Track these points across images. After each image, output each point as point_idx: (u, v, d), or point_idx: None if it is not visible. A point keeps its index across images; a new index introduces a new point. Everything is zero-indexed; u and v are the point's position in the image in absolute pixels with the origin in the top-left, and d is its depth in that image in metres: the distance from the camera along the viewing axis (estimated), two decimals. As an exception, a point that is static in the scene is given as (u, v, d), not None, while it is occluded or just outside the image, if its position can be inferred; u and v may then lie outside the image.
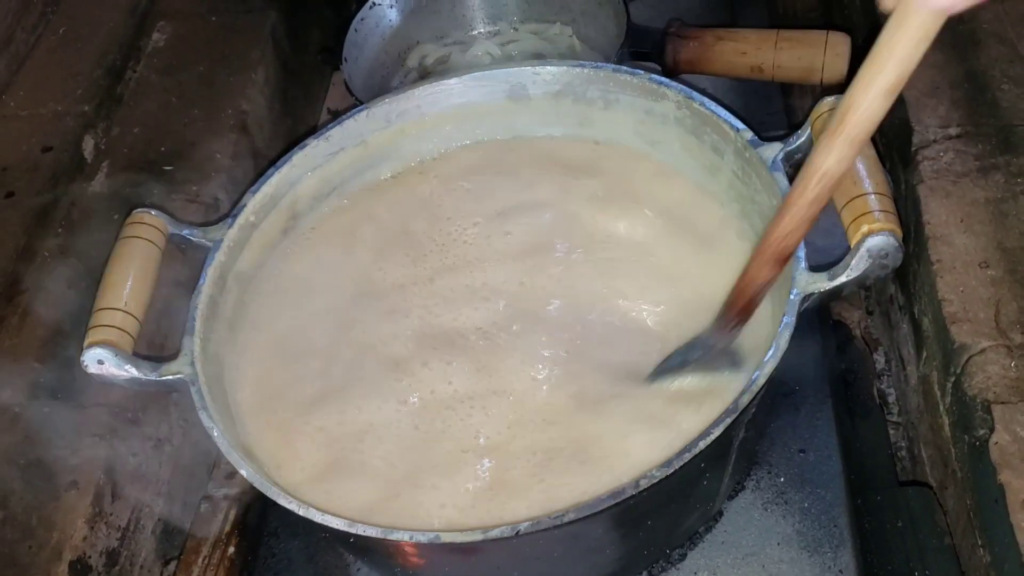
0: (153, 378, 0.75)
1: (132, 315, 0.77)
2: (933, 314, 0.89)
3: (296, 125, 1.30)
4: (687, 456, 0.63)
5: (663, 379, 0.75)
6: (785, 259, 0.64)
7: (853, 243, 0.70)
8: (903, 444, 1.00)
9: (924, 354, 0.94)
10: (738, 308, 0.70)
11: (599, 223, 0.89)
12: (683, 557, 0.80)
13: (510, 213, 0.90)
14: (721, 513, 0.82)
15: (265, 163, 1.06)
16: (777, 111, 1.15)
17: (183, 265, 1.01)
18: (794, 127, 0.81)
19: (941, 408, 0.89)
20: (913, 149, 0.96)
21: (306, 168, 0.91)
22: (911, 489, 0.85)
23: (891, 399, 1.03)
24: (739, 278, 0.69)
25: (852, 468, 0.84)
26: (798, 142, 0.80)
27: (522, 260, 0.87)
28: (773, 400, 0.84)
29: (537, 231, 0.89)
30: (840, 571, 0.77)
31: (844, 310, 1.02)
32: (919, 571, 0.79)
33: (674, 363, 0.75)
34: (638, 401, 0.75)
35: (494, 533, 0.62)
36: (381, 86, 1.17)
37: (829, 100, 0.78)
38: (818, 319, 0.95)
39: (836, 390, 0.89)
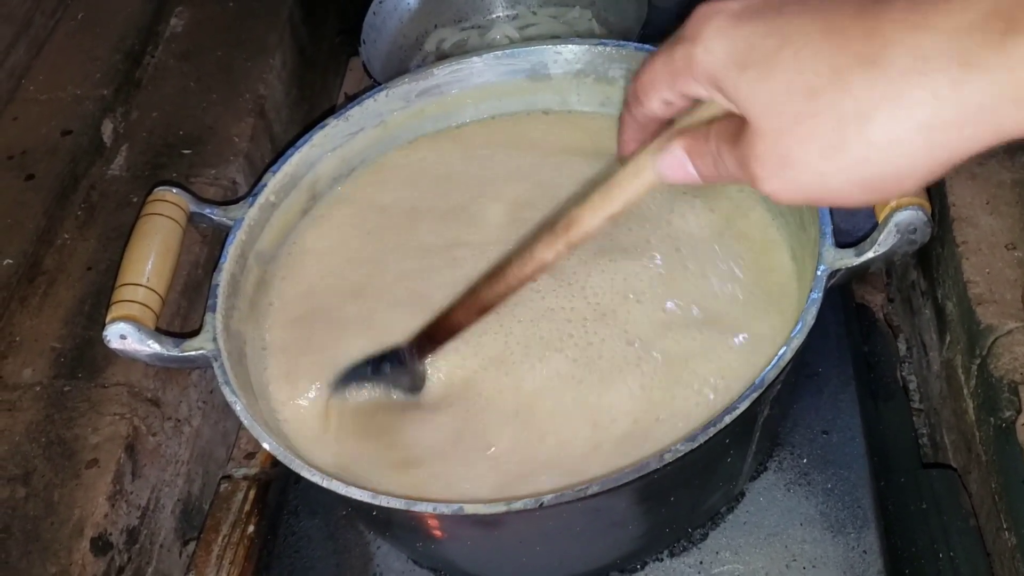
0: (175, 353, 0.75)
1: (154, 291, 0.77)
2: (958, 297, 0.89)
3: (312, 111, 1.31)
4: (712, 430, 0.63)
5: (345, 388, 0.77)
6: (486, 312, 0.70)
7: (881, 218, 0.69)
8: (924, 431, 1.00)
9: (948, 338, 0.93)
10: (434, 340, 0.74)
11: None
12: (704, 537, 0.80)
13: (531, 189, 0.90)
14: (743, 494, 0.81)
15: (282, 147, 1.06)
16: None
17: (202, 247, 1.01)
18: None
19: (965, 392, 0.88)
20: (937, 131, 0.95)
21: (326, 148, 0.91)
22: (935, 471, 0.84)
23: (912, 386, 1.03)
24: (442, 316, 0.74)
25: (875, 450, 0.84)
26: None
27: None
28: (796, 381, 0.83)
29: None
30: (864, 551, 0.77)
31: (867, 293, 1.02)
32: (943, 553, 0.79)
33: (361, 372, 0.77)
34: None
35: (517, 505, 0.62)
36: (399, 69, 1.17)
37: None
38: (841, 301, 0.94)
39: (859, 372, 0.88)
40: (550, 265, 0.63)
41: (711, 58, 0.47)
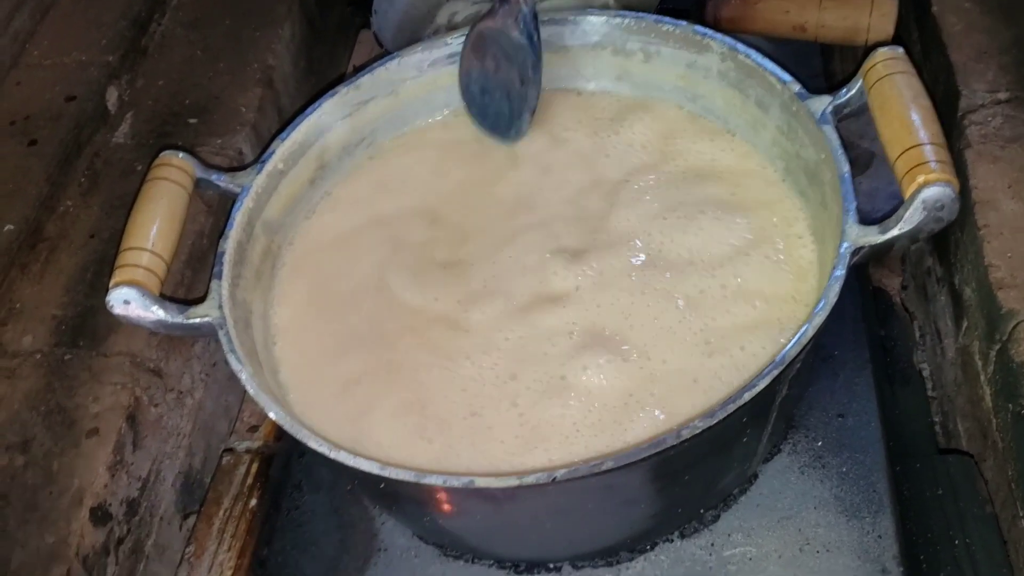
0: (180, 321, 0.73)
1: (159, 256, 0.75)
2: (978, 281, 0.87)
3: (320, 83, 1.28)
4: (731, 407, 0.61)
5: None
6: None
7: (907, 194, 0.67)
8: (937, 419, 0.98)
9: (964, 324, 0.91)
10: None
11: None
12: (716, 518, 0.78)
13: (544, 168, 0.88)
14: (756, 476, 0.80)
15: (287, 122, 1.04)
16: (816, 75, 1.12)
17: (207, 217, 1.00)
18: (843, 81, 0.79)
19: (982, 378, 0.87)
20: (960, 114, 0.93)
21: (336, 116, 0.89)
22: (952, 457, 0.83)
23: (925, 374, 1.01)
24: None
25: (891, 434, 0.82)
26: (848, 95, 0.77)
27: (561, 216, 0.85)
28: (812, 364, 0.82)
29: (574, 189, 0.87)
30: (879, 536, 0.75)
31: (884, 276, 1.00)
32: (959, 539, 0.77)
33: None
34: None
35: (530, 479, 0.61)
36: (411, 41, 1.14)
37: (884, 50, 0.76)
38: (858, 284, 0.92)
39: (875, 356, 0.87)
40: None
41: None
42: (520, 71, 0.85)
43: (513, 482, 0.61)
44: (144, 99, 1.11)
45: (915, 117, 0.71)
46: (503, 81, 0.87)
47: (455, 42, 0.91)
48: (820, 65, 1.15)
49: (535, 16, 0.82)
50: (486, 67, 0.87)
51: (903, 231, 0.68)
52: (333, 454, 0.64)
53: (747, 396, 0.62)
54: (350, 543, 0.82)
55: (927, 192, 0.66)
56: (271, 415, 0.67)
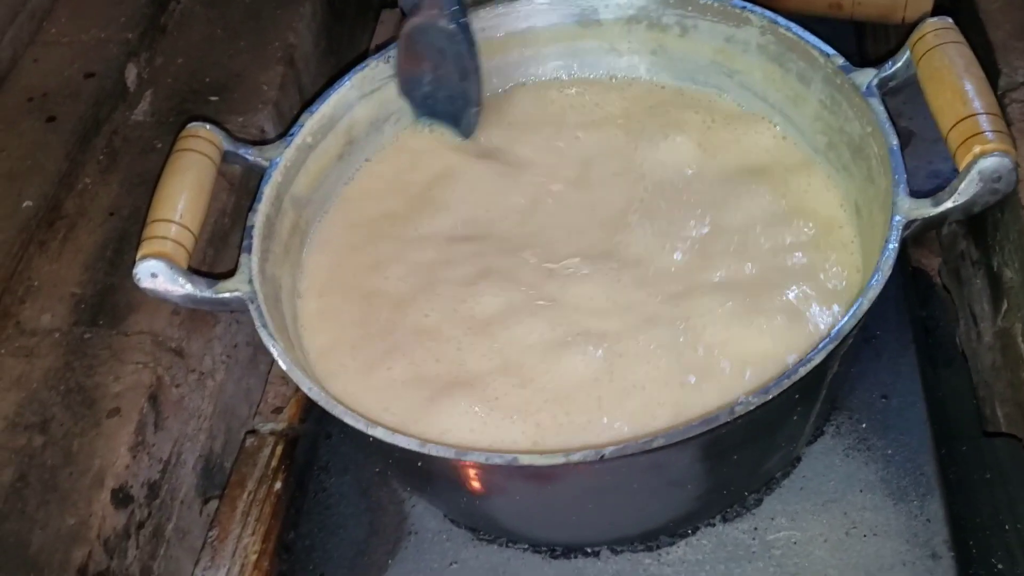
0: (209, 295, 0.71)
1: (187, 229, 0.73)
2: (1021, 259, 0.85)
3: (340, 63, 1.26)
4: (786, 383, 0.59)
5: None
6: None
7: (963, 165, 0.65)
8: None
9: (1005, 306, 0.89)
10: None
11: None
12: (759, 502, 0.76)
13: (572, 155, 0.87)
14: (799, 459, 0.78)
15: (311, 98, 1.02)
16: (851, 55, 1.10)
17: (229, 195, 0.98)
18: (889, 53, 0.77)
19: (1025, 361, 0.85)
20: (1000, 92, 0.91)
21: (364, 90, 0.87)
22: (999, 440, 0.81)
23: (964, 356, 0.99)
24: None
25: (936, 416, 0.80)
26: (894, 67, 0.75)
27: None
28: (856, 344, 0.80)
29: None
30: (928, 520, 0.73)
31: (923, 256, 0.98)
32: (1009, 524, 0.75)
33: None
34: None
35: (576, 457, 0.58)
36: (437, 18, 1.12)
37: (933, 20, 0.73)
38: (898, 264, 0.90)
39: (918, 336, 0.85)
40: None
41: None
42: (456, 64, 0.82)
43: (560, 459, 0.58)
44: (163, 77, 1.09)
45: (968, 87, 0.68)
46: (443, 80, 0.85)
47: (487, 15, 0.88)
48: (854, 44, 1.13)
49: (461, 1, 0.79)
50: (423, 69, 0.84)
51: (957, 203, 0.66)
52: (370, 430, 0.62)
53: (802, 371, 0.59)
54: (379, 526, 0.80)
55: (984, 162, 0.64)
56: (305, 390, 0.64)
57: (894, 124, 0.75)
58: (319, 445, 0.86)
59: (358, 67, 0.86)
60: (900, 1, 0.97)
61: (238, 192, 0.98)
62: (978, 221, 0.96)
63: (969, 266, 0.99)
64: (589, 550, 0.76)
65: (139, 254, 0.71)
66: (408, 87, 0.86)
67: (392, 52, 0.87)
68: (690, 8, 0.85)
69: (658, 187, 0.84)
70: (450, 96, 0.86)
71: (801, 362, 0.60)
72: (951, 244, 1.04)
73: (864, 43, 1.14)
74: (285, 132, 0.83)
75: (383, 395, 0.73)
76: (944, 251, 1.06)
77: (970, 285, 0.98)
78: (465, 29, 0.79)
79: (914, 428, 0.78)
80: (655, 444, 0.58)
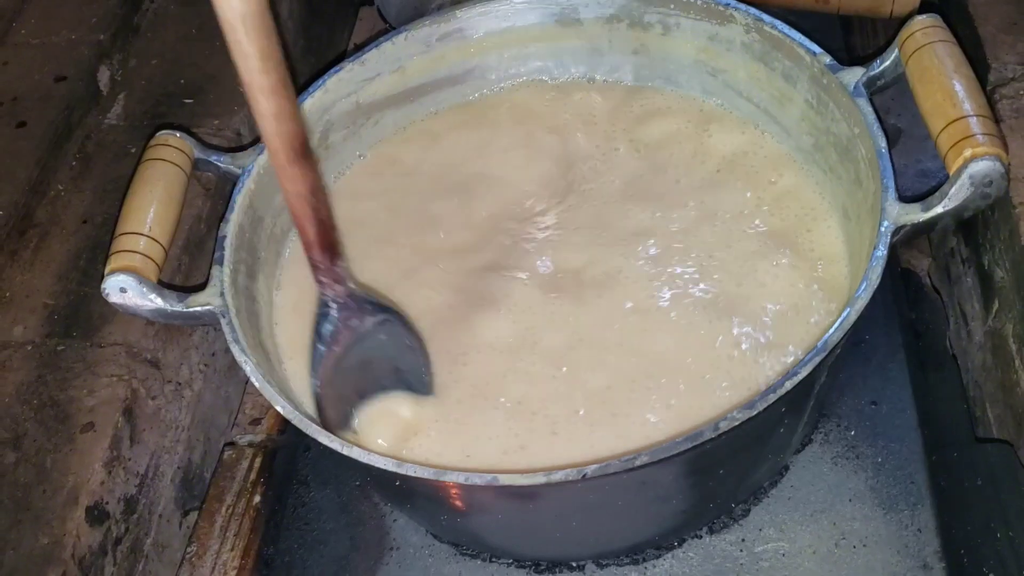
0: (179, 309, 0.69)
1: (157, 241, 0.71)
2: (1012, 261, 0.83)
3: (319, 62, 1.24)
4: (772, 397, 0.58)
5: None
6: (299, 150, 0.56)
7: (953, 169, 0.64)
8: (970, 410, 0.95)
9: (996, 305, 0.88)
10: (307, 240, 0.60)
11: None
12: (746, 513, 0.75)
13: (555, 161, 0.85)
14: (787, 468, 0.76)
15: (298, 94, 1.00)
16: (837, 51, 1.08)
17: (204, 200, 0.95)
18: (878, 51, 0.75)
19: (1017, 362, 0.83)
20: (990, 88, 0.89)
21: (340, 94, 0.85)
22: (991, 445, 0.79)
23: (953, 359, 0.98)
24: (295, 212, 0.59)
25: (927, 422, 0.79)
26: (882, 66, 0.74)
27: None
28: (842, 349, 0.78)
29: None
30: (919, 530, 0.72)
31: (913, 258, 0.97)
32: (1001, 532, 0.73)
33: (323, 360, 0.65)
34: None
35: (558, 476, 0.57)
36: (416, 16, 1.10)
37: (922, 18, 0.72)
38: (887, 265, 0.89)
39: (907, 340, 0.83)
40: None
41: None
42: (397, 344, 0.70)
43: (540, 479, 0.57)
44: (137, 79, 1.07)
45: (958, 88, 0.67)
46: (384, 366, 0.72)
47: (464, 15, 0.86)
48: (841, 39, 1.11)
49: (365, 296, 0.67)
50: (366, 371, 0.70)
51: (948, 208, 0.64)
52: (345, 450, 0.60)
53: (788, 385, 0.58)
54: (360, 541, 0.79)
55: (975, 166, 0.63)
56: (279, 409, 0.63)
57: (882, 124, 0.74)
58: (298, 458, 0.84)
59: (332, 70, 0.84)
60: (888, -5, 0.95)
61: (214, 197, 0.96)
62: (968, 220, 0.94)
63: (959, 264, 0.98)
64: (574, 564, 0.74)
65: (107, 268, 0.69)
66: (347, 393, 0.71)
67: (368, 55, 0.85)
68: (672, 6, 0.83)
69: (637, 190, 0.82)
70: (396, 370, 0.73)
71: (787, 375, 0.58)
72: (941, 241, 1.03)
73: (851, 38, 1.13)
74: (259, 138, 0.81)
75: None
76: (934, 249, 1.05)
77: (960, 284, 0.97)
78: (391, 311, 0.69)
79: (904, 435, 0.76)
80: (638, 462, 0.57)
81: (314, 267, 0.61)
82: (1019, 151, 0.86)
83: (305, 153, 0.55)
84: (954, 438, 0.81)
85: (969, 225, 0.94)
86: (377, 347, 0.67)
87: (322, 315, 0.63)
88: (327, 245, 0.60)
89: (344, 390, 0.67)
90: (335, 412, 0.67)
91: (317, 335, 0.64)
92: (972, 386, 0.94)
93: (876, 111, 0.72)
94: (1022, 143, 0.87)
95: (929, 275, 0.97)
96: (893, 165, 0.68)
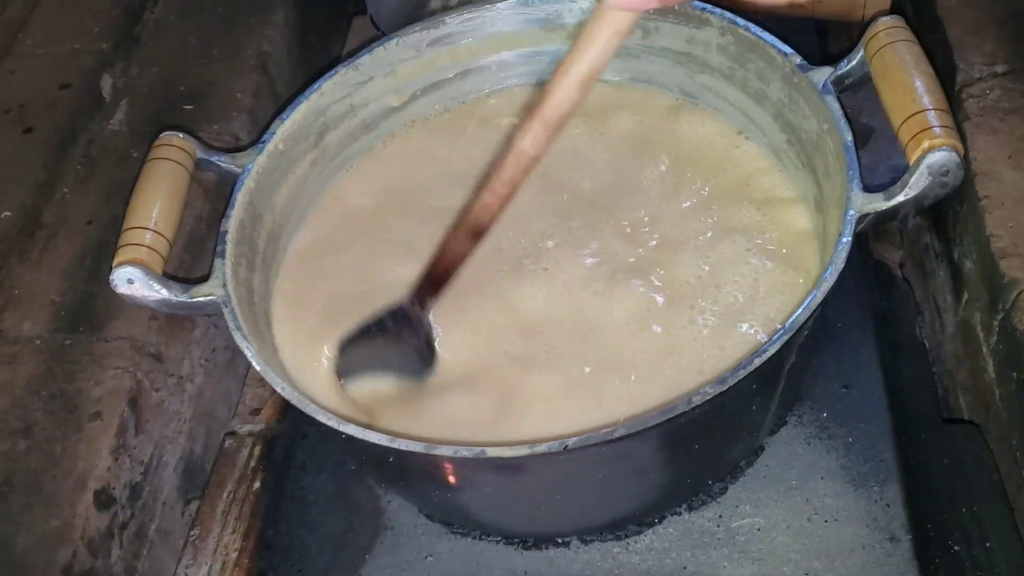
0: (184, 299, 0.73)
1: (162, 235, 0.75)
2: (979, 252, 0.87)
3: (314, 69, 1.28)
4: (741, 373, 0.61)
5: (351, 370, 0.75)
6: (480, 234, 0.67)
7: (912, 160, 0.68)
8: (938, 394, 0.98)
9: (965, 297, 0.92)
10: (436, 280, 0.71)
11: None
12: (724, 491, 0.78)
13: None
14: (763, 448, 0.80)
15: (284, 104, 1.04)
16: (813, 54, 1.12)
17: (204, 201, 0.99)
18: (844, 52, 0.79)
19: (984, 350, 0.87)
20: (957, 88, 0.93)
21: (335, 97, 0.89)
22: (957, 426, 0.83)
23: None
24: (438, 252, 0.71)
25: (896, 405, 0.82)
26: (849, 65, 0.78)
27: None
28: (817, 335, 0.82)
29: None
30: (887, 504, 0.75)
31: (884, 250, 1.00)
32: (967, 508, 0.77)
33: (365, 336, 0.74)
34: None
35: (541, 448, 0.60)
36: (408, 22, 1.14)
37: (885, 19, 0.76)
38: (859, 257, 0.93)
39: (878, 327, 0.87)
40: (533, 157, 0.60)
41: None
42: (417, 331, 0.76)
43: (524, 451, 0.60)
44: (139, 86, 1.10)
45: (918, 83, 0.71)
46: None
47: (453, 21, 0.90)
48: (816, 44, 1.15)
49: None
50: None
51: (908, 196, 0.68)
52: (341, 427, 0.64)
53: (757, 362, 0.62)
54: (356, 522, 0.82)
55: (932, 157, 0.66)
56: (278, 389, 0.66)
57: (850, 121, 0.77)
58: (296, 445, 0.88)
59: (328, 74, 0.88)
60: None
61: (213, 199, 1.00)
62: (940, 215, 0.98)
63: (933, 258, 1.01)
64: (560, 540, 0.78)
65: (116, 261, 0.72)
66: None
67: (361, 59, 0.88)
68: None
69: (615, 190, 0.86)
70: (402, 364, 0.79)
71: (756, 353, 0.62)
72: (916, 237, 1.06)
73: (827, 42, 1.17)
74: (263, 133, 0.85)
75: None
76: (909, 244, 1.08)
77: (934, 277, 1.01)
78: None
79: (874, 417, 0.80)
80: (616, 434, 0.60)
81: (419, 292, 0.73)
82: (985, 147, 0.90)
83: (479, 235, 0.66)
84: (922, 420, 0.85)
85: (941, 221, 0.98)
86: (402, 352, 0.74)
87: (391, 314, 0.74)
88: (438, 288, 0.72)
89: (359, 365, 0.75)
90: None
91: (376, 322, 0.74)
92: (946, 375, 0.98)
93: (843, 107, 0.76)
94: (988, 139, 0.91)
95: (900, 266, 1.01)
96: (859, 158, 0.72)
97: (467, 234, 0.67)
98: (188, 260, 0.95)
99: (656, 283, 0.77)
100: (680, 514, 0.77)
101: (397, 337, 0.73)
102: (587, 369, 0.73)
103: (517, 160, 0.61)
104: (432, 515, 0.80)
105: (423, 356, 0.74)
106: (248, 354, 0.69)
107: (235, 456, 0.92)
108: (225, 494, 0.90)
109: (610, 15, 0.53)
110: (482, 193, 0.65)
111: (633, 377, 0.72)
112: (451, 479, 0.68)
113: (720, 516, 0.76)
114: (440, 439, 0.63)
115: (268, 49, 1.15)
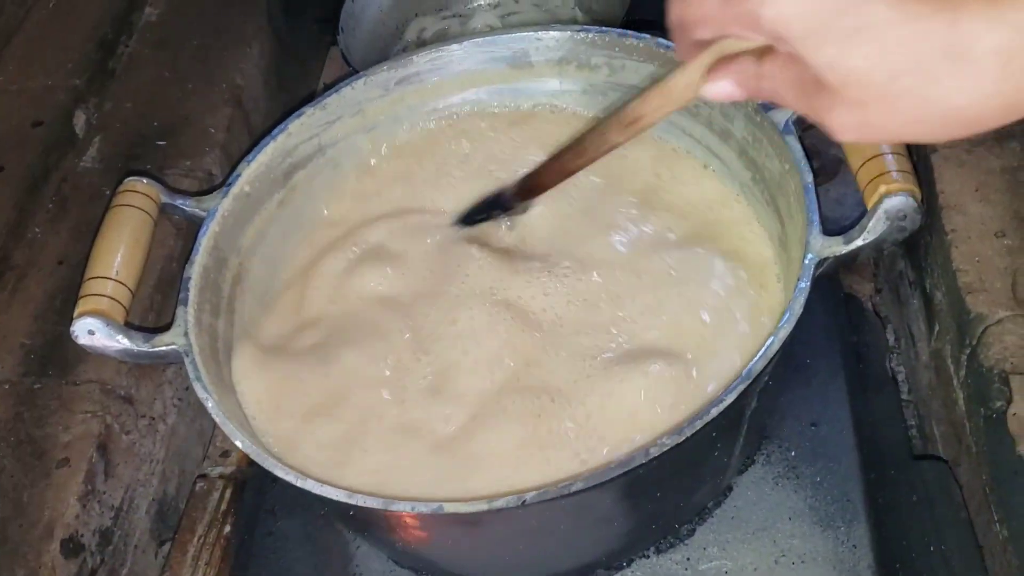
0: (145, 349, 0.73)
1: (124, 284, 0.74)
2: (947, 285, 0.87)
3: (291, 101, 1.28)
4: (699, 424, 0.61)
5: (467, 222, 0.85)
6: (569, 175, 0.74)
7: (870, 205, 0.67)
8: (913, 422, 0.98)
9: (937, 328, 0.92)
10: (529, 191, 0.80)
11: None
12: (691, 533, 0.78)
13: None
14: (731, 488, 0.80)
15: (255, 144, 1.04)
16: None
17: (176, 240, 0.99)
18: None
19: (955, 382, 0.87)
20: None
21: (302, 137, 0.89)
22: (926, 463, 0.83)
23: (900, 377, 1.01)
24: (534, 173, 0.79)
25: (865, 442, 0.82)
26: (810, 105, 0.77)
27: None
28: (784, 373, 0.82)
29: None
30: (854, 546, 0.75)
31: (855, 283, 1.00)
32: (935, 546, 0.77)
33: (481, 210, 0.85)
34: None
35: (499, 503, 0.60)
36: (379, 59, 1.14)
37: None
38: (829, 291, 0.92)
39: (848, 363, 0.87)
40: (617, 147, 0.67)
41: (782, 20, 0.45)
42: None
43: (482, 507, 0.60)
44: (112, 122, 1.10)
45: (877, 127, 0.70)
46: None
47: (420, 60, 0.90)
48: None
49: None
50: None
51: (867, 241, 0.68)
52: (300, 483, 0.63)
53: (714, 412, 0.61)
54: (325, 568, 0.82)
55: (889, 202, 0.66)
56: (238, 444, 0.66)
57: (818, 154, 0.77)
58: (266, 488, 0.87)
59: (294, 115, 0.88)
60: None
61: (185, 237, 0.99)
62: (913, 244, 0.98)
63: (907, 286, 1.01)
64: (527, 587, 0.78)
65: (76, 312, 0.72)
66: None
67: (328, 100, 0.88)
68: (617, 49, 0.87)
69: (579, 211, 0.86)
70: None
71: (713, 403, 0.62)
72: (891, 264, 1.06)
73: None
74: (228, 176, 0.85)
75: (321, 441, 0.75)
76: (885, 271, 1.08)
77: (908, 305, 1.01)
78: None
79: (843, 455, 0.80)
80: (574, 488, 0.60)
81: (520, 191, 0.81)
82: (952, 179, 0.91)
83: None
84: (891, 457, 0.85)
85: (914, 250, 0.98)
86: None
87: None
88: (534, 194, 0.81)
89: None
90: None
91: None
92: (920, 404, 0.98)
93: (804, 148, 0.76)
94: (955, 172, 0.91)
95: (871, 300, 1.01)
96: (819, 200, 0.72)
97: (559, 173, 0.75)
98: (159, 300, 0.95)
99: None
100: (648, 557, 0.77)
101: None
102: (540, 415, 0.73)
103: (608, 147, 0.68)
104: (400, 561, 0.80)
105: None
106: (208, 406, 0.69)
107: (206, 499, 0.92)
108: (195, 539, 0.89)
109: (699, 93, 0.56)
110: (577, 152, 0.71)
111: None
112: (412, 531, 0.68)
113: (688, 559, 0.76)
114: (396, 494, 0.63)
115: (242, 82, 1.15)
